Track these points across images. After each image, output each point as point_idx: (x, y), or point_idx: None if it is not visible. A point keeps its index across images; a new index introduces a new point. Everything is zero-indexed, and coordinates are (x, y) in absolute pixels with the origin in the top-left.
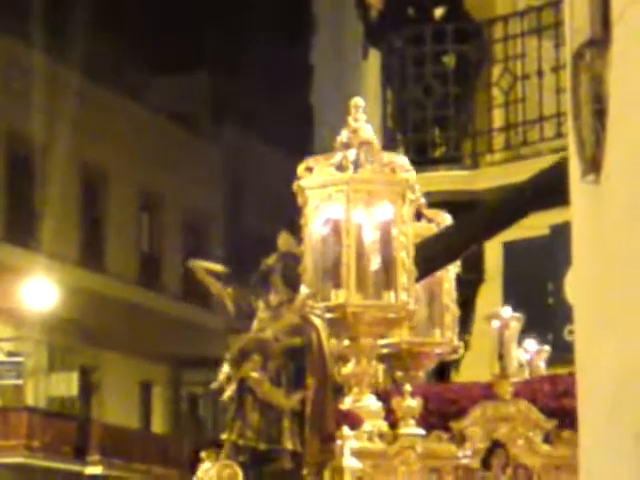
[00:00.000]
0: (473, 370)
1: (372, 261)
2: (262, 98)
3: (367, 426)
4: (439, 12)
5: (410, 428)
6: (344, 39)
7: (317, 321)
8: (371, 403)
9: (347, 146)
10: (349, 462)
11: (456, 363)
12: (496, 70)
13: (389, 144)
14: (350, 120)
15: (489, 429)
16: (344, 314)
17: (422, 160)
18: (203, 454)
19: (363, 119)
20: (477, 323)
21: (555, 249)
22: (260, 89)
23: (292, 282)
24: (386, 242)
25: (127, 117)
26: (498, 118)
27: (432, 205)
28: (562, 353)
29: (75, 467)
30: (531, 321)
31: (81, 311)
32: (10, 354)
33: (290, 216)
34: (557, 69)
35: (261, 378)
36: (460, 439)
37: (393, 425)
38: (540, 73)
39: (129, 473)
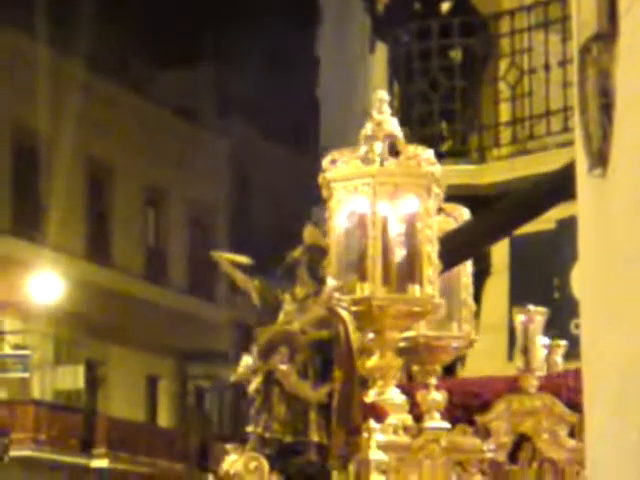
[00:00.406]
0: (478, 364)
1: (397, 254)
2: (268, 91)
3: (392, 419)
4: (445, 6)
5: (435, 421)
6: (350, 32)
7: (344, 314)
8: (395, 396)
9: (371, 139)
10: (375, 455)
11: (462, 357)
12: (503, 64)
13: None
14: (374, 113)
15: (514, 423)
16: (369, 307)
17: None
18: (229, 447)
19: (388, 112)
20: (483, 317)
21: (562, 243)
22: (266, 82)
23: (318, 275)
24: (411, 235)
25: (133, 111)
26: (505, 112)
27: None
28: (569, 347)
29: (81, 460)
30: None
31: (87, 305)
32: (16, 347)
33: (296, 209)
34: (564, 63)
35: (289, 371)
36: (484, 433)
37: (418, 418)
38: (547, 67)
39: (135, 466)
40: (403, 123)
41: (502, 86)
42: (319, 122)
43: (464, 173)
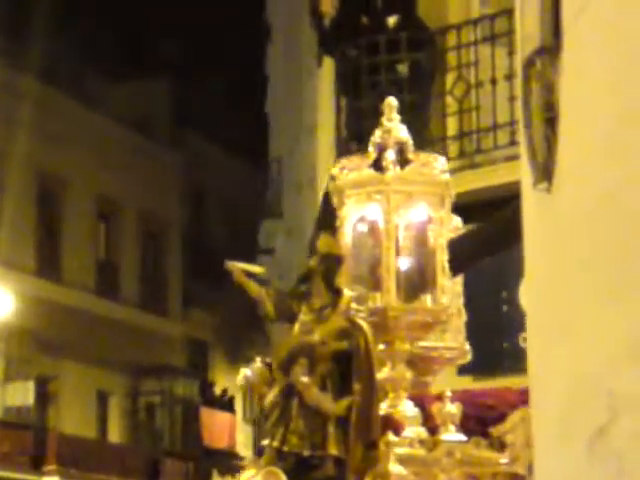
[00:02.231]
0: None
1: (409, 264)
2: (221, 105)
3: (408, 432)
4: (392, 20)
5: (450, 434)
6: (299, 47)
7: (364, 325)
8: (408, 408)
9: (380, 146)
10: (395, 468)
11: None
12: (450, 78)
13: (343, 152)
14: (384, 120)
15: (529, 435)
16: (384, 318)
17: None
18: (246, 461)
19: (397, 119)
20: None
21: (509, 256)
22: (219, 97)
23: (334, 285)
24: (422, 244)
25: (85, 124)
26: (452, 126)
27: None
28: (517, 361)
29: (32, 477)
30: (487, 328)
31: (38, 320)
32: None
33: (250, 222)
34: (510, 77)
35: (310, 383)
36: (499, 445)
37: (431, 431)
38: (494, 81)
39: None
40: (350, 137)
41: (449, 100)
42: (268, 136)
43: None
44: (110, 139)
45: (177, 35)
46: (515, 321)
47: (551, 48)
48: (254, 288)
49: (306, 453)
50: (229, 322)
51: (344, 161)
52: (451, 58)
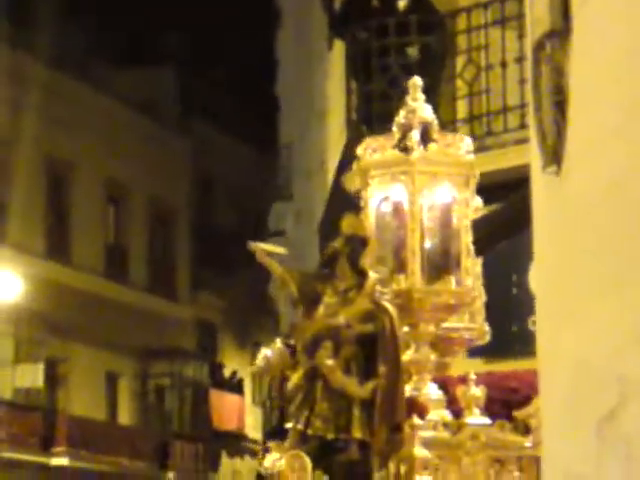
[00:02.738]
0: None
1: (432, 245)
2: (229, 90)
3: (432, 415)
4: (402, 4)
5: (475, 417)
6: (309, 31)
7: (390, 307)
8: (432, 392)
9: (405, 126)
10: (420, 452)
11: None
12: (460, 61)
13: (353, 135)
14: (408, 100)
15: None
16: (409, 300)
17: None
18: (270, 444)
19: (422, 98)
20: None
21: (520, 239)
22: (227, 81)
23: (358, 266)
24: (446, 225)
25: (94, 109)
26: (462, 109)
27: None
28: (527, 344)
29: (41, 459)
30: (497, 311)
31: (47, 303)
32: None
33: (257, 206)
34: (520, 60)
35: (335, 366)
36: (523, 429)
37: (455, 414)
38: (504, 64)
39: (95, 465)
40: (361, 120)
41: (459, 83)
42: (279, 121)
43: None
44: (118, 124)
45: (185, 21)
46: (525, 304)
47: (561, 31)
48: (277, 269)
49: (330, 436)
50: (237, 305)
51: (368, 141)
52: (461, 41)
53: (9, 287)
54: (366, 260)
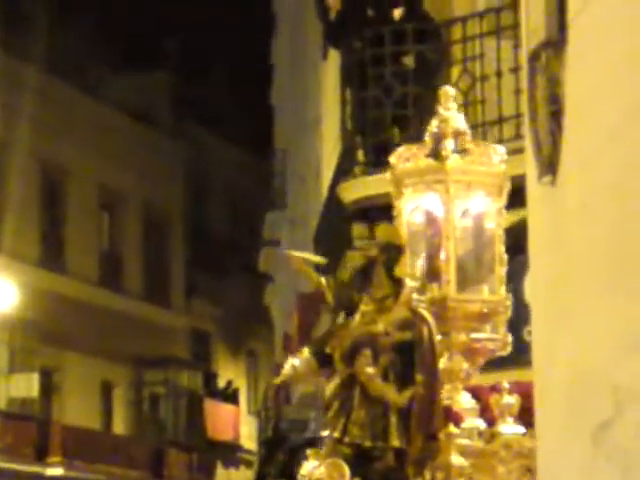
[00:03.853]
0: None
1: (465, 254)
2: (224, 96)
3: (467, 424)
4: (398, 13)
5: (508, 426)
6: (304, 39)
7: (427, 315)
8: (465, 400)
9: (438, 135)
10: (456, 460)
11: None
12: (455, 71)
13: (348, 144)
14: (440, 109)
15: None
16: (443, 308)
17: (381, 160)
18: (309, 452)
19: (454, 108)
20: None
21: (515, 248)
22: (222, 87)
23: (394, 275)
24: (479, 234)
25: (88, 114)
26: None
27: (391, 206)
28: (522, 354)
29: (36, 469)
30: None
31: (42, 312)
32: None
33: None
34: (516, 70)
35: (374, 373)
36: None
37: (488, 423)
38: (499, 74)
39: (90, 474)
40: (356, 129)
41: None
42: (273, 127)
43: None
44: (113, 130)
45: (180, 26)
46: (521, 314)
47: (556, 42)
48: (314, 277)
49: (367, 444)
50: (232, 313)
51: (401, 149)
52: (456, 51)
53: (3, 296)
54: (402, 268)
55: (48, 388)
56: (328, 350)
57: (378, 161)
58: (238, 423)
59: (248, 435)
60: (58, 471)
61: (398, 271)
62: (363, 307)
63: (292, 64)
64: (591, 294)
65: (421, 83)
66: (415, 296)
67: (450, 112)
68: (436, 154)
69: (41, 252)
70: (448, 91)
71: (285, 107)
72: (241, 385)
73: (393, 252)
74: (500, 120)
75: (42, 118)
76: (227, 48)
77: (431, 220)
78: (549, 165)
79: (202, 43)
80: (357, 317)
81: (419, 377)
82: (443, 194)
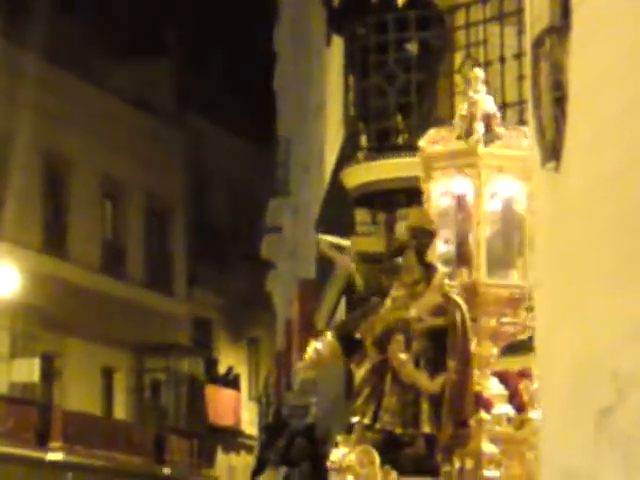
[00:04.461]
0: None
1: (495, 238)
2: (226, 85)
3: (496, 410)
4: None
5: (538, 412)
6: (307, 26)
7: (460, 300)
8: (494, 387)
9: (467, 118)
10: (487, 447)
11: None
12: (458, 57)
13: (351, 130)
14: (470, 92)
15: None
16: (473, 293)
17: (384, 147)
18: (339, 439)
19: (483, 90)
20: None
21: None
22: (224, 76)
23: (425, 259)
24: (509, 219)
25: (90, 103)
26: (460, 105)
27: (395, 192)
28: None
29: (37, 453)
30: None
31: (44, 297)
32: None
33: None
34: (519, 56)
35: (407, 359)
36: None
37: (516, 409)
38: (502, 60)
39: (91, 459)
40: (359, 117)
41: (458, 79)
42: (275, 115)
43: (419, 166)
44: (115, 119)
45: (181, 15)
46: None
47: (560, 28)
48: (342, 262)
49: (398, 430)
50: (233, 301)
51: (431, 133)
52: (460, 37)
53: (5, 281)
54: (433, 253)
55: (49, 373)
56: (358, 335)
57: (381, 147)
58: (239, 409)
59: (249, 421)
60: (59, 456)
61: (429, 256)
62: (394, 292)
63: (295, 51)
64: (592, 281)
65: (424, 70)
66: (447, 281)
67: (480, 94)
68: (466, 137)
69: (44, 239)
70: (477, 73)
71: (288, 95)
72: (242, 371)
73: (424, 237)
74: (503, 106)
75: (44, 107)
76: (229, 36)
77: (461, 204)
78: (552, 151)
79: (204, 32)
80: (388, 302)
81: (451, 363)
82: (475, 178)
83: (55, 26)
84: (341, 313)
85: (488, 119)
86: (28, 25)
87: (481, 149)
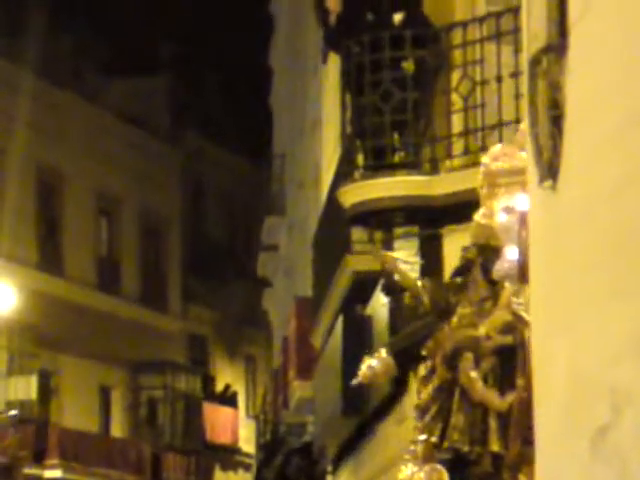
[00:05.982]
0: None
1: None
2: (222, 101)
3: None
4: (398, 18)
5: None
6: (304, 43)
7: (529, 318)
8: None
9: None
10: None
11: None
12: (455, 75)
13: (348, 148)
14: None
15: None
16: None
17: (380, 165)
18: (406, 456)
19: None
20: None
21: None
22: (220, 92)
23: (491, 276)
24: None
25: (85, 119)
26: (457, 123)
27: (391, 210)
28: None
29: (34, 471)
30: None
31: (40, 315)
32: None
33: (250, 218)
34: (516, 75)
35: (477, 377)
36: None
37: None
38: (499, 79)
39: (88, 477)
40: (355, 134)
41: (454, 97)
42: (272, 132)
43: (416, 184)
44: (110, 135)
45: (177, 31)
46: None
47: (557, 46)
48: (409, 279)
49: (466, 449)
50: (228, 318)
51: (497, 150)
52: (457, 55)
53: (1, 299)
54: (500, 270)
55: (46, 391)
56: (424, 353)
57: (378, 165)
58: (237, 426)
59: (246, 438)
60: (56, 473)
61: (495, 273)
62: (461, 309)
63: (291, 68)
64: (591, 298)
65: (420, 88)
66: (514, 299)
67: None
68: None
69: (39, 255)
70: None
71: (283, 112)
72: (239, 389)
73: (490, 254)
74: (500, 124)
75: (39, 123)
76: (225, 53)
77: (525, 221)
78: (550, 169)
79: (200, 48)
80: (455, 320)
81: (520, 381)
82: None
83: (50, 42)
84: (337, 332)
85: None
86: (23, 41)
87: None
